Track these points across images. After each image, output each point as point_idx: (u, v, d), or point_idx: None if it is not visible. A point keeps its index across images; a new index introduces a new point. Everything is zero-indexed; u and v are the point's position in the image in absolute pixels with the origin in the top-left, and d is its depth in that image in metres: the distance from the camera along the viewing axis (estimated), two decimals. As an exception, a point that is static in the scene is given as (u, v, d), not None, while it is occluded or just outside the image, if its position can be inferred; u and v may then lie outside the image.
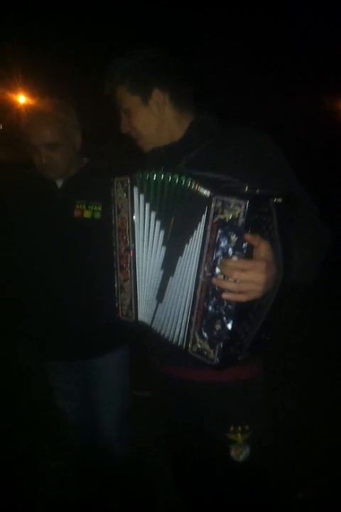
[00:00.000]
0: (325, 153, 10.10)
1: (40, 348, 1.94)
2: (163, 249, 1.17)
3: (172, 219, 1.13)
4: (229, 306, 1.01)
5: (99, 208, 1.76)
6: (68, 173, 1.81)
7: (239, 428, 1.31)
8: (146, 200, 1.18)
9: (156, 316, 1.22)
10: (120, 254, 1.24)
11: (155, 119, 1.40)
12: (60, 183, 1.82)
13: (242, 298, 0.99)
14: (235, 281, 0.97)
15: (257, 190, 1.01)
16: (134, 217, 1.19)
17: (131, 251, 1.21)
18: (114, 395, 1.94)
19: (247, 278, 0.97)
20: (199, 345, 1.06)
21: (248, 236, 0.96)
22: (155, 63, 1.39)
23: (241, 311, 1.03)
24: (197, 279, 1.04)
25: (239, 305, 1.00)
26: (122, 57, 1.41)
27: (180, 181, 1.09)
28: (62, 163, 1.76)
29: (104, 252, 1.43)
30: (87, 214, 1.77)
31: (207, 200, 1.01)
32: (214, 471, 1.40)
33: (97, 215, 1.76)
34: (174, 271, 1.14)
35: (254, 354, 1.27)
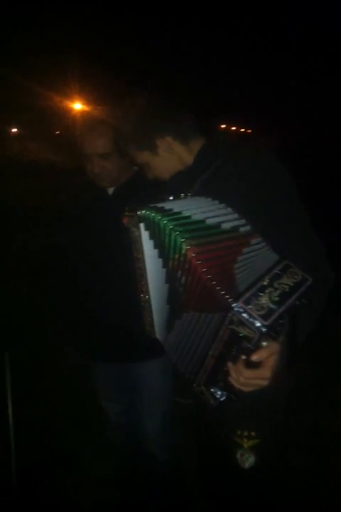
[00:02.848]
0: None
1: (88, 349, 2.00)
2: (166, 286, 1.19)
3: (171, 263, 1.12)
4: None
5: None
6: (119, 180, 1.85)
7: (245, 433, 1.32)
8: (151, 236, 1.19)
9: (168, 342, 1.28)
10: (139, 278, 1.26)
11: (169, 161, 1.44)
12: (111, 191, 1.86)
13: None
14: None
15: (282, 303, 0.94)
16: (144, 249, 1.21)
17: (144, 280, 1.25)
18: (157, 401, 1.96)
19: (252, 381, 1.04)
20: (202, 389, 1.16)
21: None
22: (147, 116, 1.40)
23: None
24: (207, 352, 1.08)
25: None
26: (117, 118, 1.51)
27: (177, 242, 1.05)
28: (113, 172, 1.81)
29: None
30: None
31: (223, 308, 0.97)
32: (223, 472, 1.43)
33: None
34: (180, 314, 1.16)
35: None
